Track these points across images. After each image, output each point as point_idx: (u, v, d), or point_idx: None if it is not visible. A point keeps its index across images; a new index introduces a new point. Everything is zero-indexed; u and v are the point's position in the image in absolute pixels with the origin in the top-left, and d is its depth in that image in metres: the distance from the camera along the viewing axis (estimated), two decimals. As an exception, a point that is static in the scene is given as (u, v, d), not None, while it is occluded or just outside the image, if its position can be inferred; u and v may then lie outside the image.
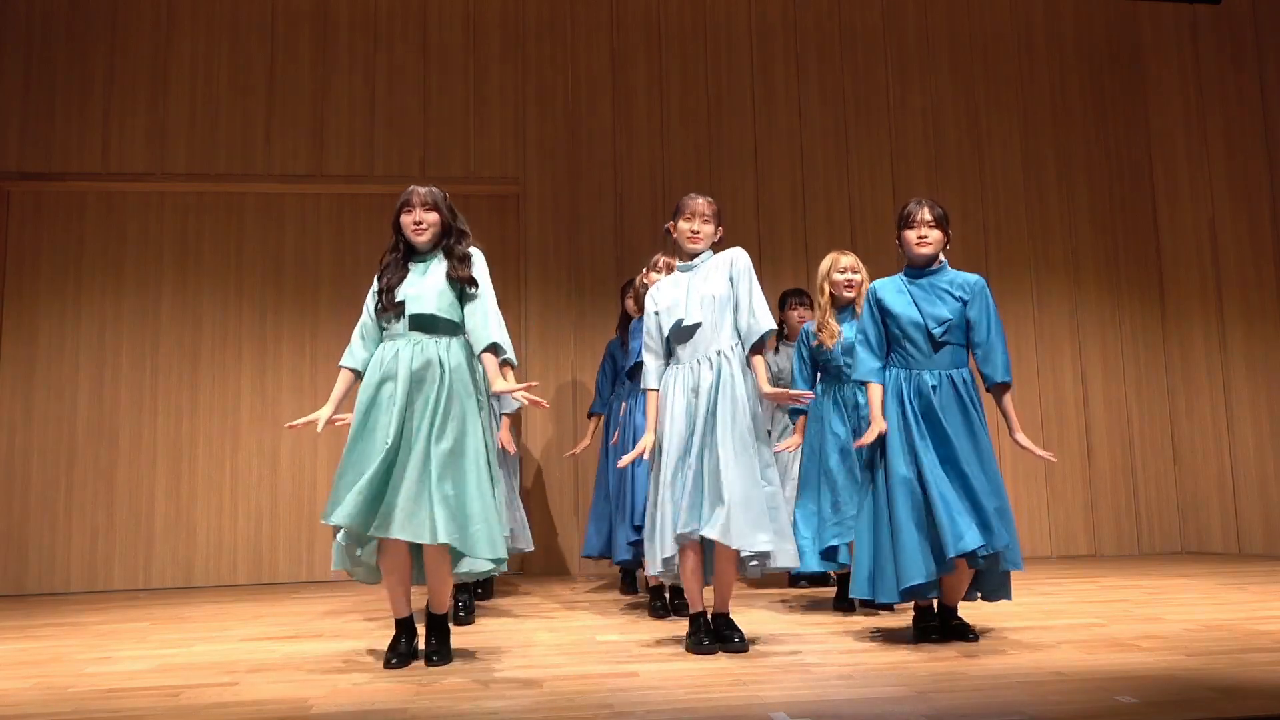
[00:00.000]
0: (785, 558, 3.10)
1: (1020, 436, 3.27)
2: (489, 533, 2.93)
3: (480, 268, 3.12)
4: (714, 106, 6.32)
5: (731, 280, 3.23)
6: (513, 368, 3.09)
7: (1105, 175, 6.59)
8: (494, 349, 3.03)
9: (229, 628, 3.98)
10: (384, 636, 3.27)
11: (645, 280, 4.11)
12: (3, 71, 5.80)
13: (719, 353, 3.19)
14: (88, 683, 2.91)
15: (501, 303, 6.19)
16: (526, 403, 3.03)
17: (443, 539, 2.86)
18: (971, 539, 3.02)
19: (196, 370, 5.89)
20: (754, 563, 3.12)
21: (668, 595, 4.02)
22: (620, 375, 4.76)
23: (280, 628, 3.86)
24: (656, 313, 3.31)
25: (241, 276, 5.98)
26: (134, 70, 5.92)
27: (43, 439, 5.72)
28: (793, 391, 3.28)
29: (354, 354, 3.13)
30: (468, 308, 3.08)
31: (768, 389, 3.16)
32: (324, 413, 3.08)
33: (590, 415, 5.03)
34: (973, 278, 3.33)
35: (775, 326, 3.26)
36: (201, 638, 3.74)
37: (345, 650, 3.34)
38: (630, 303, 4.70)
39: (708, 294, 3.22)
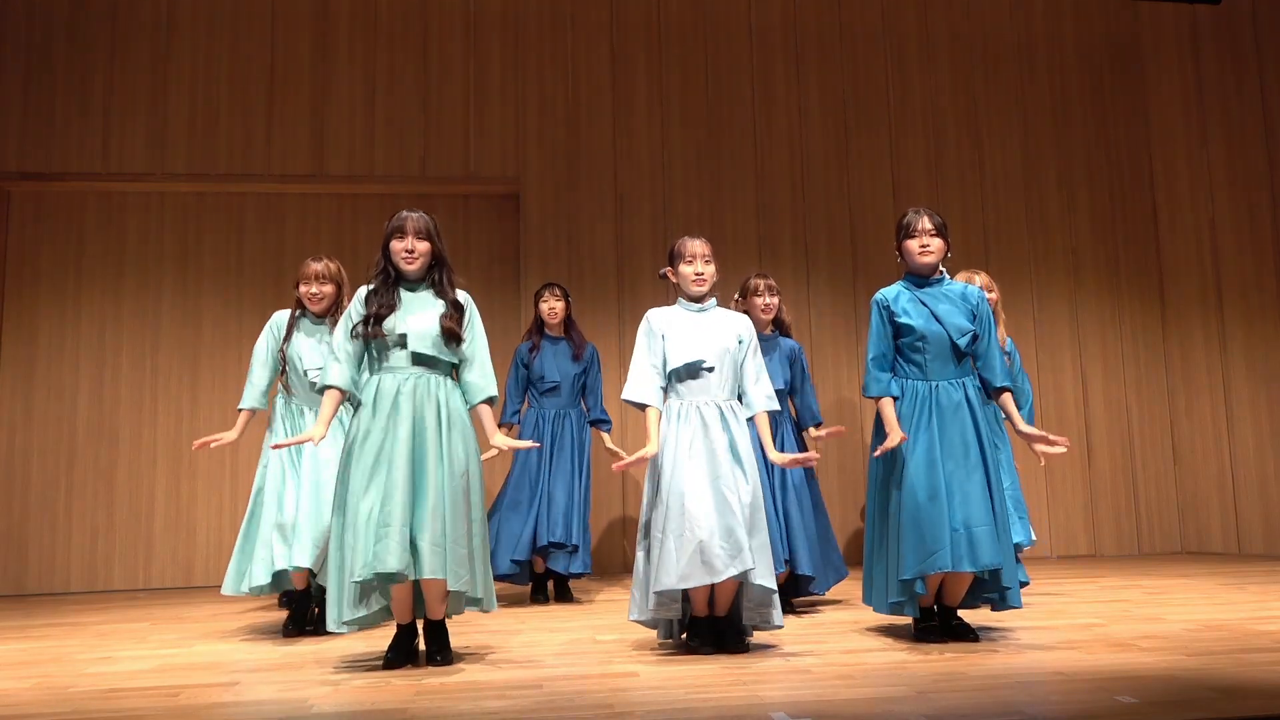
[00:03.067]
0: (777, 617, 3.18)
1: (1024, 428, 3.29)
2: (484, 574, 3.02)
3: (473, 314, 3.15)
4: (714, 107, 6.32)
5: (741, 343, 3.27)
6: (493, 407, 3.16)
7: (1105, 175, 6.59)
8: (491, 401, 3.10)
9: (229, 628, 3.98)
10: (384, 637, 3.26)
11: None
12: (3, 71, 5.80)
13: (726, 403, 3.21)
14: (88, 683, 2.91)
15: (500, 304, 6.21)
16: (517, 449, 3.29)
17: (441, 575, 2.89)
18: (940, 561, 3.05)
19: (197, 370, 5.90)
20: (752, 608, 3.17)
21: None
22: (531, 384, 4.75)
23: (280, 628, 3.85)
24: (660, 337, 3.25)
25: (242, 276, 5.99)
26: (134, 70, 5.92)
27: (43, 439, 5.73)
28: (802, 456, 3.35)
29: (341, 373, 3.05)
30: (464, 356, 3.11)
31: (775, 456, 3.23)
32: (318, 432, 3.01)
33: (502, 424, 4.61)
34: (972, 289, 3.37)
35: (779, 409, 3.46)
36: (201, 638, 3.74)
37: (345, 650, 3.34)
38: (546, 308, 4.76)
39: (723, 346, 3.23)
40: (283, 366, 3.87)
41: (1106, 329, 6.45)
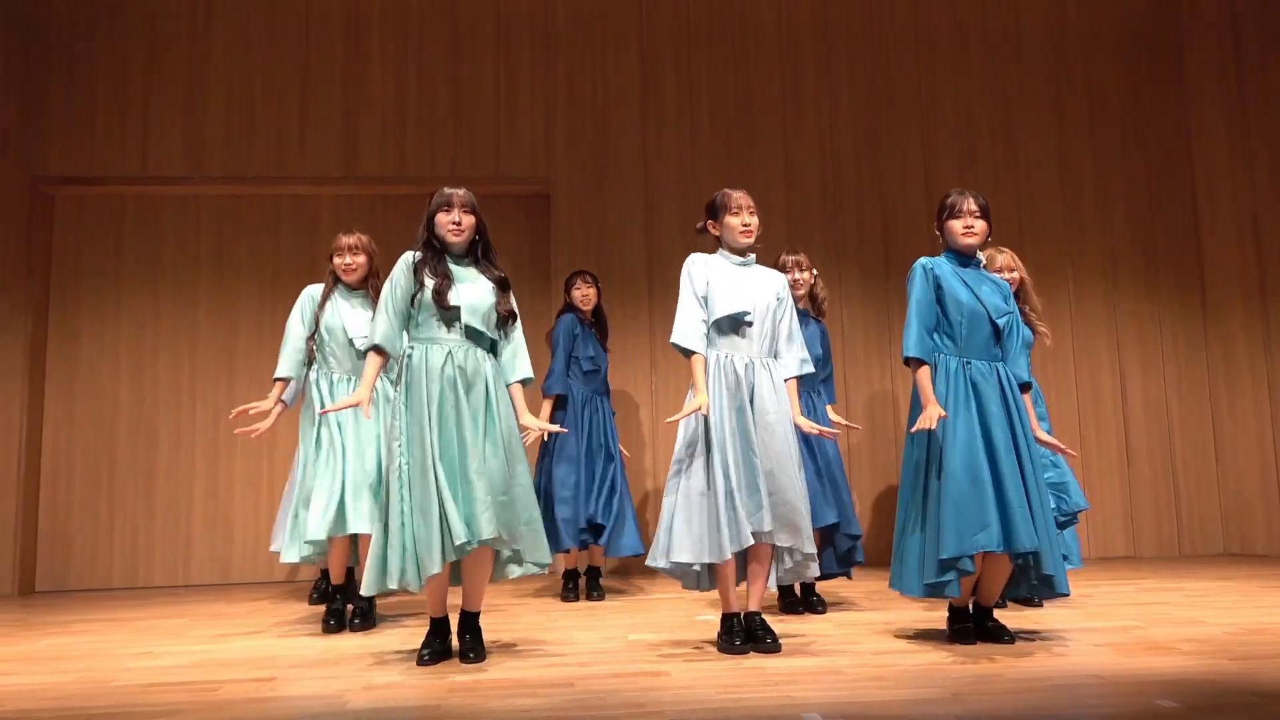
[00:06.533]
0: (813, 568, 3.19)
1: (1039, 434, 3.29)
2: (538, 534, 3.09)
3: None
4: (743, 105, 6.30)
5: (779, 300, 3.28)
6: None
7: (1143, 169, 6.47)
8: (526, 383, 3.20)
9: (266, 624, 4.04)
10: (418, 633, 3.30)
11: None
12: (46, 78, 5.93)
13: (761, 359, 3.20)
14: (128, 677, 2.96)
15: (530, 302, 6.25)
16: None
17: (488, 534, 2.93)
18: (986, 540, 3.00)
19: (233, 371, 5.99)
20: (790, 566, 3.15)
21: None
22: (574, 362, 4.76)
23: (316, 624, 3.91)
24: (708, 283, 3.21)
25: (278, 279, 6.07)
26: (171, 75, 6.02)
27: (85, 438, 5.85)
28: (823, 427, 3.34)
29: (388, 336, 3.11)
30: (505, 334, 3.21)
31: (801, 421, 3.22)
32: (363, 394, 3.09)
33: (551, 394, 4.70)
34: (1004, 280, 3.39)
35: (814, 371, 3.44)
36: (239, 634, 3.80)
37: (380, 646, 3.38)
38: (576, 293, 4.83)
39: (764, 301, 3.22)
40: (316, 335, 3.96)
41: (1145, 327, 6.33)
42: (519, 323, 3.25)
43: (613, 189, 6.14)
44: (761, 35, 6.37)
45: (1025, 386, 3.28)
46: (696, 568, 3.15)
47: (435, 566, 2.91)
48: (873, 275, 6.18)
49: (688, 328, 3.19)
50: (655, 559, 3.14)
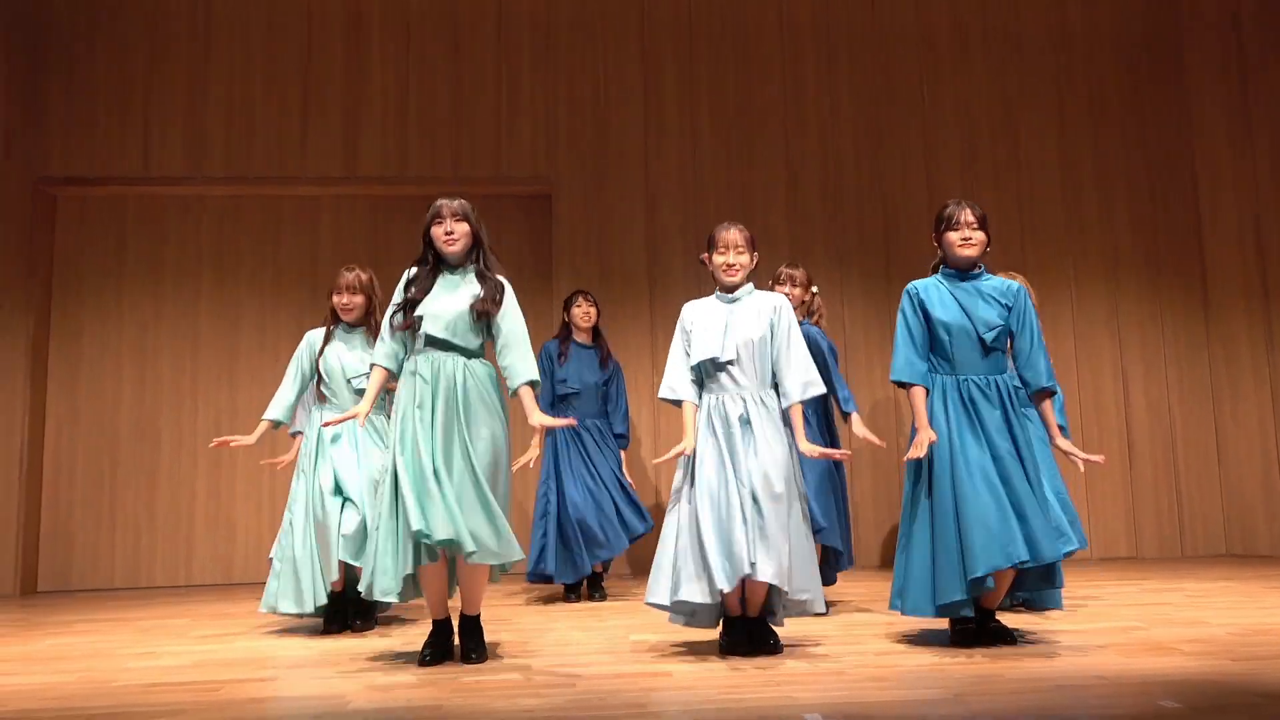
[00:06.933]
0: (818, 605, 3.16)
1: (1062, 442, 3.23)
2: (505, 542, 3.02)
3: (511, 300, 3.20)
4: (743, 105, 6.29)
5: (772, 328, 3.20)
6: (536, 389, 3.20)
7: (1144, 170, 6.46)
8: (533, 385, 3.15)
9: (268, 624, 4.04)
10: (420, 634, 3.30)
11: None
12: (48, 78, 5.93)
13: (755, 395, 3.16)
14: (129, 677, 2.96)
15: (531, 304, 6.25)
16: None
17: (469, 547, 2.91)
18: (1016, 552, 2.99)
19: (234, 371, 5.99)
20: (787, 603, 3.15)
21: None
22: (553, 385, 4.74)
23: (317, 624, 3.90)
24: (688, 332, 3.24)
25: (279, 279, 6.07)
26: (172, 75, 6.03)
27: (88, 438, 5.85)
28: (832, 451, 3.28)
29: (385, 352, 3.18)
30: (502, 340, 3.15)
31: (806, 446, 3.15)
32: (363, 408, 3.14)
33: None
34: (1013, 284, 3.28)
35: (826, 391, 3.25)
36: (241, 633, 3.80)
37: (382, 647, 3.38)
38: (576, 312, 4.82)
39: (745, 337, 3.18)
40: (318, 377, 3.97)
41: (1147, 328, 6.33)
42: (513, 324, 3.16)
43: (613, 189, 6.14)
44: (762, 35, 6.37)
45: (1048, 392, 3.21)
46: (697, 606, 3.14)
47: (408, 565, 2.94)
48: (874, 275, 6.18)
49: (672, 379, 3.24)
50: (657, 596, 3.11)
